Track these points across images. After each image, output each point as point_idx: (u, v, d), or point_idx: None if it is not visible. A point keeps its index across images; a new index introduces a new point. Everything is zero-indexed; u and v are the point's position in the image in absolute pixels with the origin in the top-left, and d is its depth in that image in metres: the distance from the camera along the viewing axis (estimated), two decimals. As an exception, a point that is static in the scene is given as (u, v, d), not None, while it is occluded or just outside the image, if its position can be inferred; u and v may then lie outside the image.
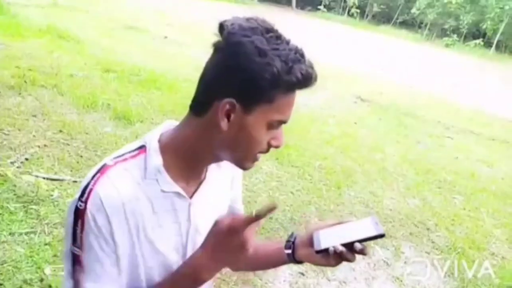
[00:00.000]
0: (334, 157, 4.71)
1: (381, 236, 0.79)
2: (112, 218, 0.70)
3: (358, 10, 32.05)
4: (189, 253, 0.82)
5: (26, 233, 2.30)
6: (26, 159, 3.00)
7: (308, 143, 4.94)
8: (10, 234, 2.25)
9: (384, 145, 5.60)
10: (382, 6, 34.39)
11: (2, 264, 2.03)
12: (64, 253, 0.73)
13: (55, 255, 2.19)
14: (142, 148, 0.77)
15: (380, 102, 8.11)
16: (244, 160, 0.78)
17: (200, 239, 0.81)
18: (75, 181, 2.85)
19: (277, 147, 0.77)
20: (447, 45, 27.64)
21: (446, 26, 30.76)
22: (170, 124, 0.82)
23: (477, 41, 27.91)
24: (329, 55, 11.96)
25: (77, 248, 0.70)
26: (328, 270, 2.72)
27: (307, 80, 0.70)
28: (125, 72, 5.84)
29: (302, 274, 2.64)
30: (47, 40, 6.56)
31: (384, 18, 35.52)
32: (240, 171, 0.94)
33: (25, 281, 1.97)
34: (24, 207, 2.49)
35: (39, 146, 3.24)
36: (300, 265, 2.70)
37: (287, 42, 0.70)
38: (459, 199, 4.36)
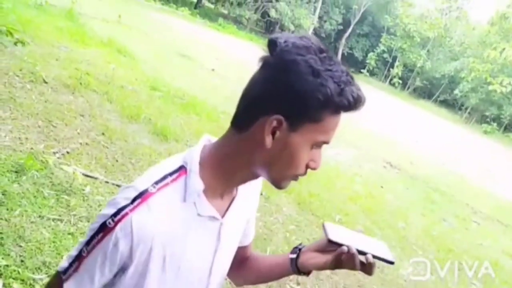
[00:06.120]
0: (356, 215, 4.66)
1: (391, 263, 0.80)
2: (136, 247, 0.71)
3: (400, 81, 32.45)
4: (215, 269, 0.83)
5: (54, 219, 2.39)
6: (67, 152, 3.16)
7: (332, 195, 4.93)
8: (39, 216, 2.35)
9: (408, 214, 5.49)
10: (425, 82, 34.68)
11: (27, 243, 2.12)
12: (78, 242, 0.76)
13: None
14: (182, 169, 0.76)
15: (410, 171, 8.03)
16: (282, 179, 0.77)
17: (224, 255, 0.84)
18: (107, 182, 2.96)
19: (314, 169, 0.76)
20: (485, 132, 27.24)
21: (487, 113, 30.44)
22: (208, 139, 0.82)
23: (517, 133, 27.42)
24: (366, 118, 12.05)
25: (86, 251, 0.72)
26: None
27: (357, 102, 0.71)
28: (170, 93, 6.13)
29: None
30: (106, 51, 7.01)
31: (425, 93, 35.67)
32: (259, 189, 0.96)
33: (44, 263, 2.03)
34: (57, 195, 2.61)
35: (81, 143, 3.41)
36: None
37: (339, 63, 0.71)
38: (477, 286, 4.17)
